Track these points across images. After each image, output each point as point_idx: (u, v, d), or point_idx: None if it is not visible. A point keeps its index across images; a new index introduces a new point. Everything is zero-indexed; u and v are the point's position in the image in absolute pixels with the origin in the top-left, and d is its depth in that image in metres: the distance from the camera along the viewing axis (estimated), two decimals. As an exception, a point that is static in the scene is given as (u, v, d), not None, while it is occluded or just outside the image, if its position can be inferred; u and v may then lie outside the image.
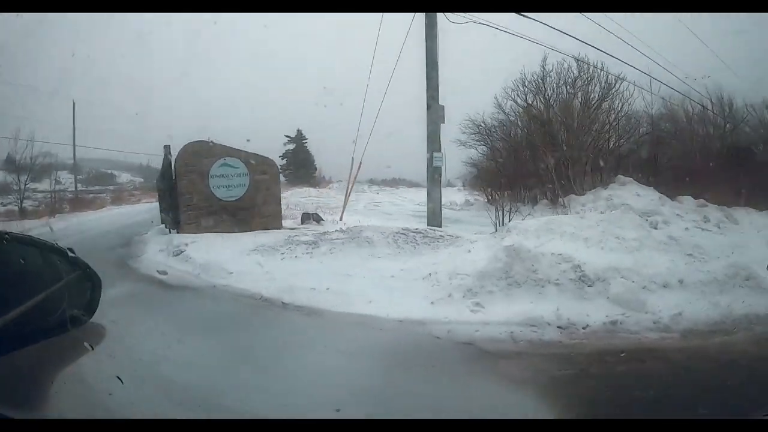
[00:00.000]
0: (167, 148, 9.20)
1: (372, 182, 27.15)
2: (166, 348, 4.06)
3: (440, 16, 8.81)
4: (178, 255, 7.59)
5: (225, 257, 7.25)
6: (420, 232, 7.11)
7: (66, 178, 20.58)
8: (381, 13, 9.33)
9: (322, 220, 10.52)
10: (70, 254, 1.53)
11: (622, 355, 3.94)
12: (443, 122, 9.05)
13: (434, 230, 7.12)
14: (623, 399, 3.12)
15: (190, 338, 4.39)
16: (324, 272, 6.29)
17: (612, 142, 10.76)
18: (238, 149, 9.45)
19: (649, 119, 10.68)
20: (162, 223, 9.46)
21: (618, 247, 5.57)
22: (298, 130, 28.96)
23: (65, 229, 11.66)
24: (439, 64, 8.92)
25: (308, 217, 10.55)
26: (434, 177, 9.17)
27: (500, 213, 7.01)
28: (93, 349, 1.82)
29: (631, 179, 9.41)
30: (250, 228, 9.12)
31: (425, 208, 9.57)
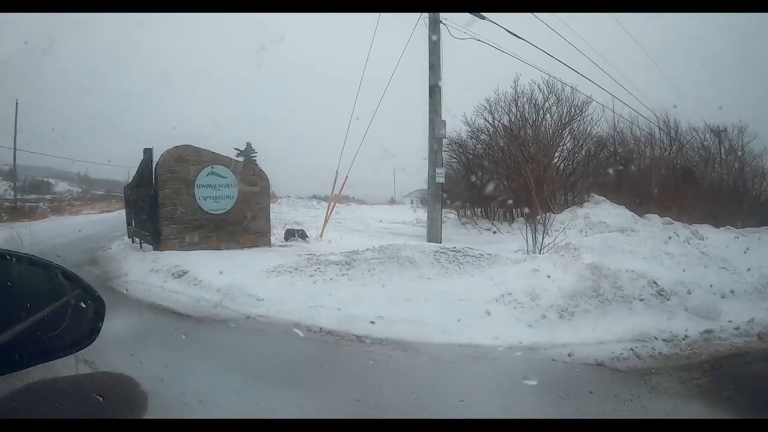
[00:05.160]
0: (148, 151, 7.71)
1: (315, 197, 26.15)
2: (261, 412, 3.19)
3: (443, 30, 8.77)
4: (180, 277, 6.37)
5: (242, 280, 6.27)
6: (459, 251, 6.82)
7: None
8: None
9: (308, 236, 9.71)
10: (69, 273, 1.48)
11: (735, 358, 4.31)
12: (445, 137, 8.97)
13: (472, 249, 6.91)
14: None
15: (283, 395, 3.47)
16: (377, 297, 5.70)
17: (582, 162, 11.57)
18: (227, 157, 8.31)
19: (612, 140, 11.73)
20: (130, 236, 7.90)
21: (671, 263, 5.95)
22: (247, 143, 27.03)
23: (10, 241, 9.25)
24: (442, 78, 8.82)
25: (293, 234, 9.67)
26: (436, 193, 9.00)
27: (534, 232, 7.07)
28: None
29: (604, 198, 10.13)
30: (239, 245, 8.07)
31: (393, 226, 9.40)
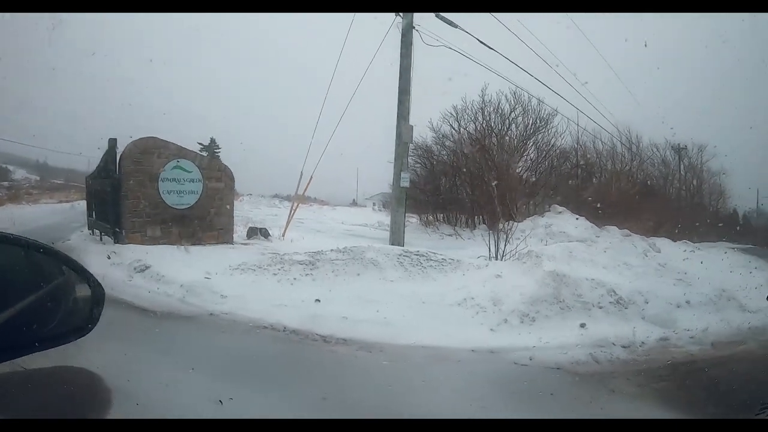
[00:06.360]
0: (113, 141, 7.46)
1: (278, 196, 25.77)
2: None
3: (416, 36, 8.88)
4: (142, 271, 6.20)
5: (205, 276, 6.13)
6: (423, 255, 6.86)
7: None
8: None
9: (270, 235, 9.59)
10: (67, 258, 1.46)
11: (690, 365, 4.42)
12: (411, 142, 9.05)
13: (435, 253, 6.96)
14: (725, 399, 3.46)
15: (248, 394, 3.32)
16: (341, 297, 5.70)
17: (545, 173, 11.86)
18: (193, 151, 8.14)
19: (575, 153, 12.08)
20: (90, 228, 7.61)
21: (629, 273, 6.14)
22: (211, 139, 26.17)
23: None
24: (411, 83, 8.90)
25: (255, 232, 9.58)
26: (400, 197, 9.06)
27: (496, 239, 7.21)
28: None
29: (565, 209, 10.41)
30: (202, 241, 7.89)
31: (355, 228, 9.44)
